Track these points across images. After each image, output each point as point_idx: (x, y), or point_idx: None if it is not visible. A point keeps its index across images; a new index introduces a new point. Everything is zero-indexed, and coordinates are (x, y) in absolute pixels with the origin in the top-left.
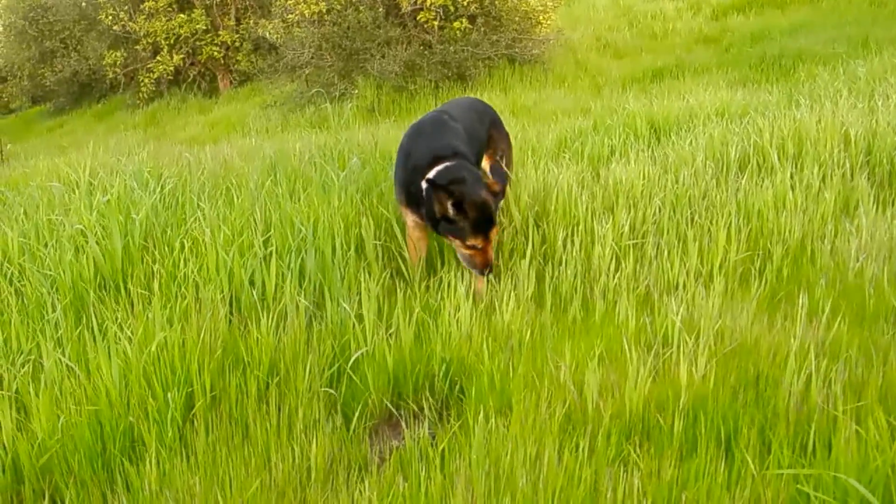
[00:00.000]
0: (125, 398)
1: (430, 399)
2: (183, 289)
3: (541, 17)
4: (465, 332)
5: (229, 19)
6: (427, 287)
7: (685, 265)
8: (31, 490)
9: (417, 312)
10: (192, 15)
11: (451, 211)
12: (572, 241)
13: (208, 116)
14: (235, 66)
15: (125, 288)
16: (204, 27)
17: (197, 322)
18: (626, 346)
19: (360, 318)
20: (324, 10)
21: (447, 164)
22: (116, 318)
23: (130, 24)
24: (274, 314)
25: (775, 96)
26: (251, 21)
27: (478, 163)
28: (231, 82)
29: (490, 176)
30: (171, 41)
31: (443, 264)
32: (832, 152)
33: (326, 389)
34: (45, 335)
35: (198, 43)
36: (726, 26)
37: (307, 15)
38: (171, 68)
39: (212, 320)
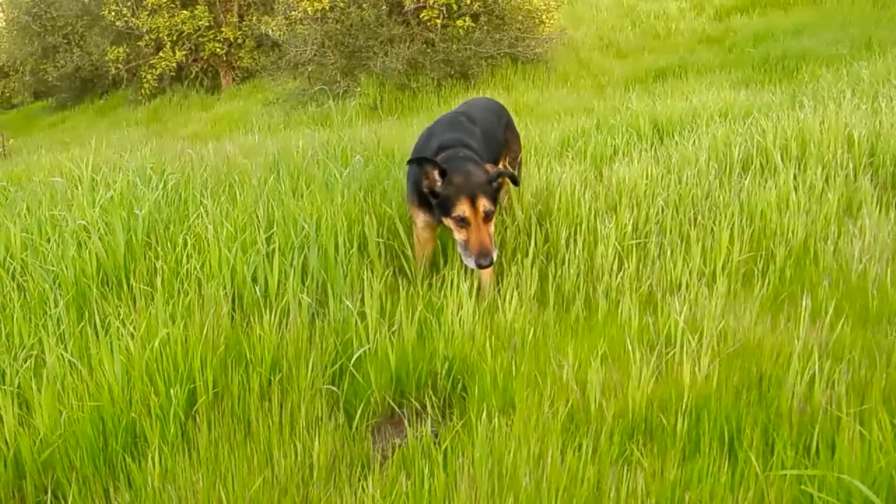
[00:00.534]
0: (127, 394)
1: (433, 397)
2: (186, 285)
3: (544, 16)
4: (467, 330)
5: (232, 16)
6: (430, 285)
7: (688, 265)
8: (32, 485)
9: (420, 310)
10: (195, 11)
11: (437, 181)
12: (575, 241)
13: (210, 113)
14: (238, 63)
15: (128, 284)
16: (207, 23)
17: (200, 318)
18: (630, 346)
19: (362, 315)
20: (327, 8)
21: (449, 152)
22: (119, 314)
23: (133, 19)
24: (276, 311)
25: (778, 97)
26: (254, 18)
27: (495, 164)
28: (233, 79)
29: None
30: (174, 37)
31: (445, 262)
32: (835, 153)
33: (329, 387)
34: (47, 330)
35: (200, 39)
36: (729, 27)
37: (310, 12)
38: (174, 64)
39: (214, 317)
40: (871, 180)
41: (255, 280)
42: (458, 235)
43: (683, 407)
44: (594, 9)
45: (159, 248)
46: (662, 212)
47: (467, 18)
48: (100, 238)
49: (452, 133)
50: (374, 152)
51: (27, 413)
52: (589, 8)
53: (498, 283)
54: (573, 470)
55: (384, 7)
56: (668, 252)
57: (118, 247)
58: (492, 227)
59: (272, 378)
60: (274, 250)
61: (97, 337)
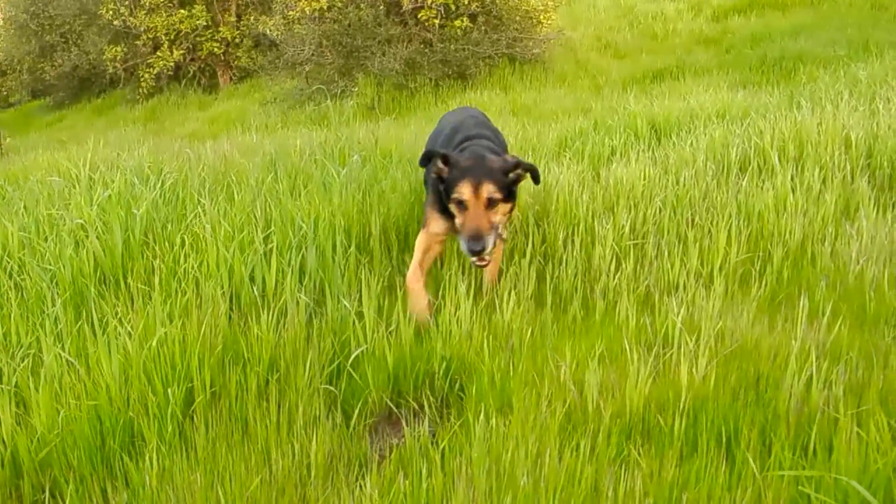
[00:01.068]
0: (125, 393)
1: (431, 397)
2: (183, 284)
3: (541, 17)
4: (465, 330)
5: (230, 15)
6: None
7: (685, 266)
8: (30, 485)
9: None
10: (193, 10)
11: (443, 168)
12: (573, 241)
13: (208, 112)
14: (235, 63)
15: (125, 283)
16: (204, 23)
17: (197, 318)
18: (627, 346)
19: (360, 315)
20: (325, 7)
21: (472, 142)
22: (117, 313)
23: (131, 19)
24: (274, 311)
25: (776, 98)
26: (252, 17)
27: None
28: (231, 78)
29: None
30: (172, 36)
31: (442, 264)
32: (833, 155)
33: (326, 387)
34: (44, 329)
35: (198, 39)
36: (727, 28)
37: (308, 12)
38: (172, 64)
39: (212, 316)
40: (869, 182)
41: (252, 280)
42: (457, 220)
43: (681, 407)
44: (592, 9)
45: (157, 248)
46: (660, 212)
47: (465, 18)
48: (97, 237)
49: (482, 129)
50: (371, 152)
51: (25, 412)
52: (587, 8)
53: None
54: (571, 470)
55: (382, 7)
56: (666, 253)
57: (116, 246)
58: (496, 217)
59: (270, 378)
60: (272, 250)
61: (95, 336)
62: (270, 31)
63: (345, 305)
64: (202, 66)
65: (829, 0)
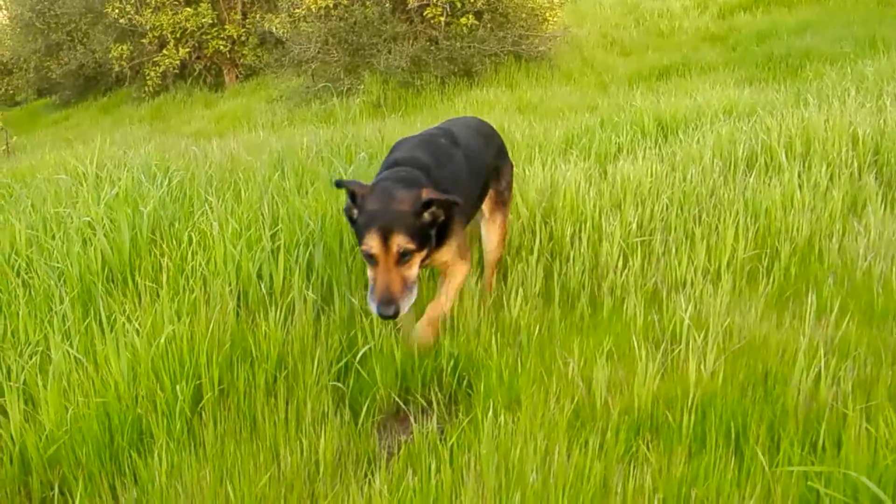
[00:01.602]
0: (133, 390)
1: (439, 394)
2: (191, 282)
3: (547, 14)
4: (473, 327)
5: (235, 13)
6: (435, 282)
7: (693, 263)
8: (38, 482)
9: (425, 307)
10: (199, 9)
11: (352, 207)
12: (580, 238)
13: (214, 110)
14: (241, 61)
15: (133, 281)
16: (210, 21)
17: (205, 315)
18: (635, 343)
19: (367, 312)
20: (331, 5)
21: (390, 172)
22: (125, 311)
23: (137, 17)
24: (282, 308)
25: (783, 95)
26: (257, 15)
27: (480, 200)
28: (237, 76)
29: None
30: (178, 35)
31: None
32: (840, 151)
33: (334, 383)
34: (52, 327)
35: (204, 37)
36: (733, 25)
37: (314, 10)
38: (177, 62)
39: (220, 313)
40: (876, 178)
41: (260, 277)
42: (369, 272)
43: (689, 404)
44: (598, 6)
45: (164, 245)
46: (667, 209)
47: (471, 16)
48: (105, 235)
49: (416, 152)
50: (378, 149)
51: (33, 409)
52: (592, 6)
53: (503, 281)
54: (580, 466)
55: (388, 4)
56: (673, 250)
57: (123, 244)
58: (410, 271)
59: (278, 374)
60: (279, 247)
61: (103, 333)
62: (276, 28)
63: (352, 302)
64: (208, 64)
65: None
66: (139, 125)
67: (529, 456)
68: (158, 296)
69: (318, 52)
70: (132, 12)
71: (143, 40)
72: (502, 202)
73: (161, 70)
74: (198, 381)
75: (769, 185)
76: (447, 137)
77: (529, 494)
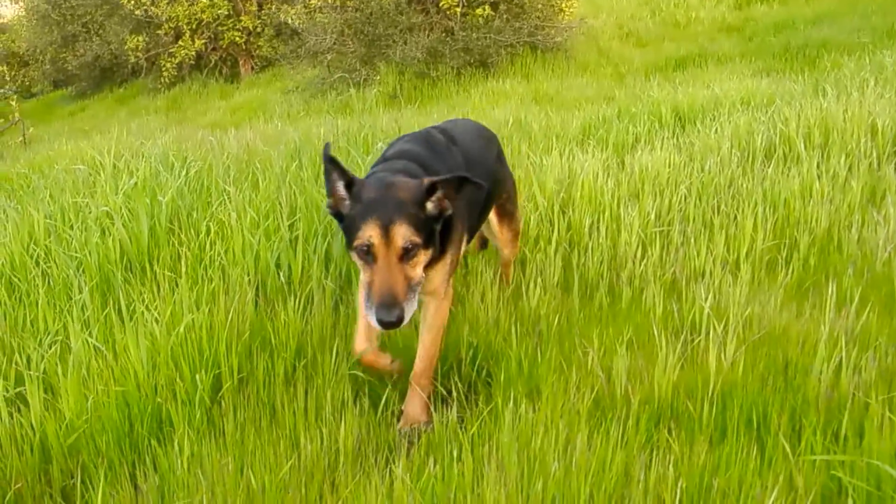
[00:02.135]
0: (153, 379)
1: (459, 383)
2: (210, 271)
3: (563, 5)
4: (492, 317)
5: (251, 4)
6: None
7: (712, 253)
8: (59, 470)
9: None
10: (214, 0)
11: (343, 196)
12: (598, 229)
13: (230, 101)
14: (257, 52)
15: (152, 270)
16: (226, 12)
17: (224, 304)
18: (655, 333)
19: None
20: None
21: (387, 164)
22: (143, 300)
23: (153, 8)
24: (301, 298)
25: (801, 85)
26: (273, 6)
27: (486, 206)
28: (252, 68)
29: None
30: (193, 26)
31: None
32: (859, 142)
33: (354, 372)
34: (72, 316)
35: (220, 28)
36: (749, 15)
37: (329, 0)
38: (193, 53)
39: (239, 303)
40: (895, 169)
41: (278, 267)
42: (363, 276)
43: (710, 393)
44: None
45: (182, 235)
46: (685, 200)
47: (487, 7)
48: (123, 225)
49: (411, 146)
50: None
51: (53, 398)
52: None
53: (521, 271)
54: (601, 456)
55: None
56: (692, 240)
57: (142, 233)
58: (415, 270)
59: (297, 364)
60: (297, 237)
61: (122, 322)
62: (292, 20)
63: None
64: (223, 55)
65: None
66: (155, 116)
67: (550, 445)
68: (177, 285)
69: (334, 44)
70: (148, 3)
71: (159, 31)
72: (509, 214)
73: (177, 61)
74: (217, 370)
75: (788, 175)
76: (445, 135)
77: (551, 483)
